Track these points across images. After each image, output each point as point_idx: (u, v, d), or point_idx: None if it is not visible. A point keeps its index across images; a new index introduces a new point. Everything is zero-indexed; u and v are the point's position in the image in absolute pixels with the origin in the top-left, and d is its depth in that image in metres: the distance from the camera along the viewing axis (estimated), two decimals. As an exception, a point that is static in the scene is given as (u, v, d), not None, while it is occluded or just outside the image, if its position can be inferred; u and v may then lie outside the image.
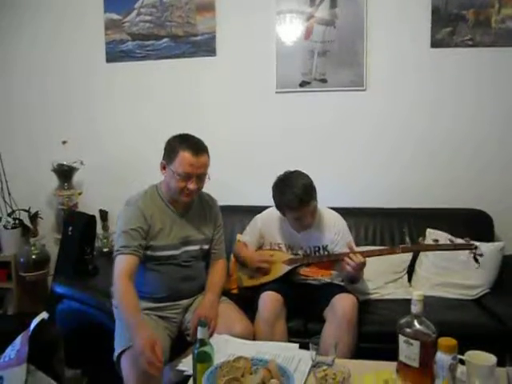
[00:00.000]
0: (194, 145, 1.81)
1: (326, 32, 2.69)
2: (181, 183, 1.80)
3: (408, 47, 2.65)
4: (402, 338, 1.40)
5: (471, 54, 2.59)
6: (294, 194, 1.97)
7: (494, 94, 2.62)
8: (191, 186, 1.80)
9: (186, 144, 1.80)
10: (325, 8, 2.69)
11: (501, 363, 1.31)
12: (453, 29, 2.59)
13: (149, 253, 1.84)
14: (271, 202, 2.21)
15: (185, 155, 1.77)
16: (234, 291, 2.22)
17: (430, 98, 2.67)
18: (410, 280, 2.46)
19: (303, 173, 2.06)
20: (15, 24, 3.03)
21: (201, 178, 1.83)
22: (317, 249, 2.15)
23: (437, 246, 2.02)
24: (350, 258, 1.92)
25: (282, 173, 2.09)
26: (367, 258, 1.95)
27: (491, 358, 1.35)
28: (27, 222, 2.98)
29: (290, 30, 2.74)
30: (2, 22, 3.04)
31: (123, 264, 1.75)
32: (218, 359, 1.38)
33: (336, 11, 2.67)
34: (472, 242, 1.91)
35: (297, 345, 1.64)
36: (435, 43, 2.61)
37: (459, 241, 1.92)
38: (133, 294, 1.70)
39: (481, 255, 1.89)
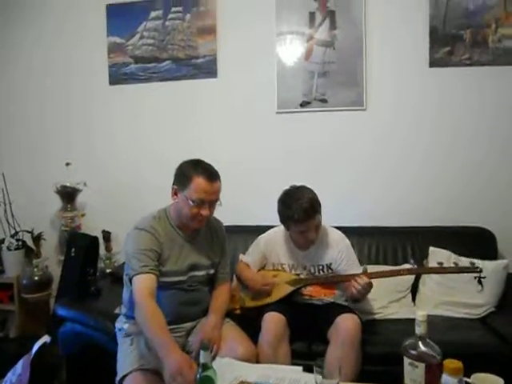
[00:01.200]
0: (209, 171, 1.80)
1: (325, 53, 2.73)
2: (194, 209, 1.78)
3: (407, 67, 2.68)
4: (406, 361, 1.38)
5: (470, 73, 2.61)
6: (300, 206, 1.98)
7: (494, 111, 2.63)
8: (204, 212, 1.79)
9: (200, 170, 1.78)
10: (324, 30, 2.73)
11: (508, 386, 1.29)
12: (451, 48, 2.62)
13: None
14: (274, 222, 2.22)
15: (200, 182, 1.76)
16: (237, 311, 2.20)
17: (430, 117, 2.68)
18: (413, 299, 2.43)
19: (308, 187, 2.08)
20: (20, 43, 3.10)
21: (213, 204, 1.83)
22: (320, 267, 2.14)
23: (442, 269, 2.03)
24: (356, 281, 1.90)
25: (287, 187, 2.11)
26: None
27: (498, 381, 1.33)
28: (30, 243, 2.98)
29: (291, 51, 2.78)
30: (5, 47, 3.11)
31: (144, 283, 1.70)
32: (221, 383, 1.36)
33: (335, 33, 2.72)
34: (476, 265, 1.89)
35: (300, 368, 1.61)
36: (434, 63, 2.64)
37: (463, 259, 1.92)
38: (159, 312, 1.65)
39: (484, 277, 1.88)
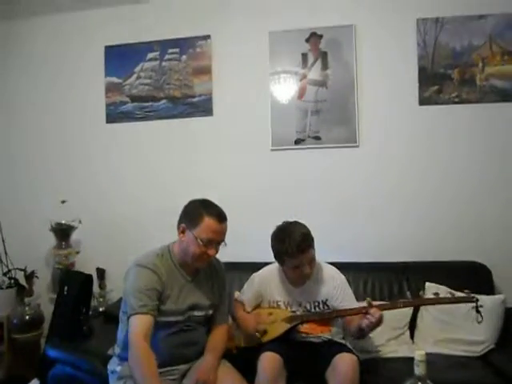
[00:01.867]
0: (219, 212, 1.82)
1: (318, 92, 2.79)
2: (202, 249, 1.78)
3: (397, 105, 2.74)
4: (407, 402, 1.34)
5: (458, 111, 2.67)
6: (294, 240, 1.98)
7: (484, 147, 2.67)
8: (211, 252, 1.80)
9: (211, 211, 1.80)
10: (317, 69, 2.81)
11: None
12: (440, 87, 2.69)
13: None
14: (268, 259, 2.21)
15: (210, 222, 1.77)
16: (233, 351, 2.14)
17: (421, 153, 2.72)
18: (412, 336, 2.39)
19: (301, 223, 2.09)
20: (20, 83, 3.15)
21: (219, 244, 1.83)
22: (316, 303, 2.11)
23: (437, 300, 2.01)
24: (370, 313, 1.87)
25: (280, 223, 2.11)
26: None
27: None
28: (23, 281, 2.93)
29: (284, 90, 2.84)
30: (6, 88, 3.16)
31: (141, 325, 1.66)
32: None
33: (327, 73, 2.79)
34: (472, 295, 1.88)
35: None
36: (423, 101, 2.70)
37: (459, 294, 1.91)
38: (152, 356, 1.62)
39: (481, 306, 1.86)
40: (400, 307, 1.96)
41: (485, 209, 2.66)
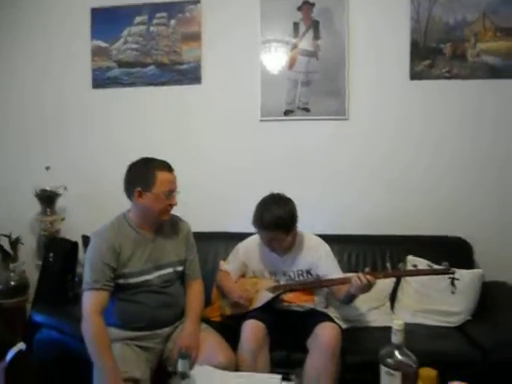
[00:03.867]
0: (165, 163, 1.88)
1: (309, 63, 2.76)
2: (165, 202, 1.84)
3: (388, 79, 2.72)
4: (383, 369, 1.39)
5: (449, 86, 2.67)
6: (265, 218, 2.03)
7: (474, 123, 2.68)
8: (173, 201, 1.87)
9: (158, 165, 1.85)
10: (308, 39, 2.76)
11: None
12: (431, 61, 2.68)
13: (121, 281, 1.81)
14: (254, 229, 2.22)
15: (163, 175, 1.83)
16: (216, 319, 2.19)
17: (410, 128, 2.73)
18: (392, 307, 2.46)
19: (287, 201, 2.10)
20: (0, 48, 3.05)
21: (175, 192, 1.89)
22: (300, 272, 2.16)
23: (416, 271, 2.08)
24: (359, 278, 1.90)
25: (269, 194, 2.13)
26: None
27: (472, 390, 1.36)
28: (8, 247, 2.92)
29: (275, 60, 2.80)
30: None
31: (93, 301, 1.73)
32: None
33: (319, 43, 2.75)
34: (450, 267, 1.93)
35: (279, 376, 1.62)
36: (414, 75, 2.69)
37: (437, 267, 1.97)
38: (105, 333, 1.70)
39: (457, 279, 1.93)
40: (380, 278, 2.00)
41: (472, 186, 2.69)
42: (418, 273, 2.07)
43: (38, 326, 2.17)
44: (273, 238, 2.07)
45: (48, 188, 2.86)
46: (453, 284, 1.93)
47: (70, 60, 3.00)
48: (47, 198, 2.88)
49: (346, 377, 1.90)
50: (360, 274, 1.91)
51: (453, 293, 1.95)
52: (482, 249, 2.58)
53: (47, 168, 2.82)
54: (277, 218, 2.03)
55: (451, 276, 1.93)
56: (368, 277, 1.89)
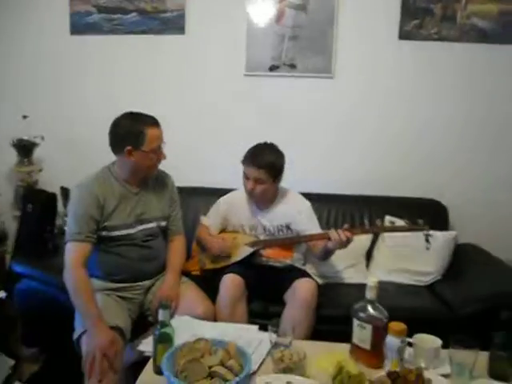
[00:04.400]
0: (151, 118, 1.85)
1: (296, 17, 2.69)
2: (154, 158, 1.84)
3: (377, 37, 2.69)
4: (355, 322, 1.47)
5: (437, 48, 2.65)
6: (256, 153, 2.10)
7: (457, 87, 2.69)
8: (162, 155, 1.88)
9: (146, 121, 1.83)
10: (297, -9, 2.69)
11: (446, 346, 1.40)
12: (420, 22, 2.64)
13: (104, 233, 1.83)
14: (237, 185, 2.26)
15: (152, 131, 1.82)
16: (196, 272, 2.25)
17: (396, 89, 2.72)
18: (368, 265, 2.55)
19: (280, 152, 2.16)
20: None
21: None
22: (280, 227, 2.21)
23: (392, 228, 2.15)
24: (338, 234, 1.94)
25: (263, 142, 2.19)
26: None
27: (436, 341, 1.45)
28: (-16, 197, 2.88)
29: (262, 12, 2.72)
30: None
31: (76, 252, 1.75)
32: (179, 340, 1.41)
33: (308, -4, 2.68)
34: (425, 225, 2.00)
35: (256, 326, 1.69)
36: (403, 35, 2.65)
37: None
38: (89, 283, 1.73)
39: (431, 236, 2.00)
40: (357, 233, 2.05)
41: (451, 150, 2.74)
42: (394, 229, 2.14)
43: (19, 277, 2.19)
44: (258, 178, 2.08)
45: (25, 137, 2.80)
46: (427, 241, 2.00)
47: (47, 2, 2.85)
48: (24, 148, 2.82)
49: (319, 328, 1.98)
50: (339, 230, 1.96)
51: (427, 249, 2.01)
52: (457, 212, 2.67)
53: (24, 117, 2.74)
54: (269, 160, 2.09)
55: (426, 233, 1.99)
56: (346, 233, 1.94)
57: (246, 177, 2.12)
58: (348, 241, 1.95)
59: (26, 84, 2.94)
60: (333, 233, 1.96)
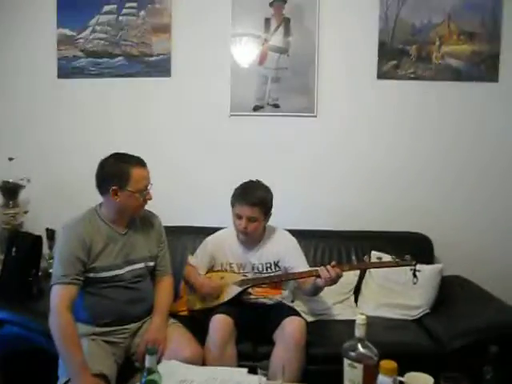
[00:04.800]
0: (138, 159, 1.86)
1: (279, 59, 2.78)
2: (140, 198, 1.84)
3: (356, 78, 2.79)
4: (346, 362, 1.45)
5: (414, 87, 2.76)
6: (247, 191, 2.12)
7: (435, 123, 2.79)
8: (149, 196, 1.87)
9: (132, 162, 1.84)
10: (279, 35, 2.78)
11: (436, 382, 1.39)
12: (397, 62, 2.75)
13: (92, 275, 1.80)
14: (223, 223, 2.28)
15: (138, 172, 1.83)
16: (184, 313, 2.21)
17: (375, 126, 2.81)
18: (356, 300, 2.55)
19: (268, 187, 2.19)
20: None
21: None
22: (268, 265, 2.20)
23: (380, 264, 2.17)
24: (328, 271, 1.94)
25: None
26: None
27: (429, 380, 1.43)
28: (-33, 240, 2.83)
29: (245, 54, 2.80)
30: None
31: (62, 296, 1.72)
32: (167, 386, 1.37)
33: (289, 40, 2.77)
34: (412, 260, 2.02)
35: (245, 369, 1.66)
36: (381, 75, 2.76)
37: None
38: (74, 329, 1.69)
39: (419, 271, 2.02)
40: (346, 270, 2.06)
41: (432, 184, 2.80)
42: (381, 265, 2.15)
43: (1, 323, 2.13)
44: (251, 216, 2.09)
45: (11, 180, 2.78)
46: (415, 275, 2.01)
47: (35, 48, 2.90)
48: (9, 190, 2.80)
49: (310, 369, 1.96)
50: (328, 267, 1.96)
51: (415, 283, 2.02)
52: (442, 244, 2.69)
53: (10, 159, 2.73)
54: (261, 196, 2.11)
55: (413, 268, 2.01)
56: (336, 269, 1.95)
57: (238, 216, 2.12)
58: (338, 277, 1.95)
59: (12, 126, 2.95)
60: (322, 270, 1.96)
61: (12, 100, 2.95)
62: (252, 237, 2.17)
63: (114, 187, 1.80)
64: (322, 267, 1.98)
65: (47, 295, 2.31)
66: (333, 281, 1.96)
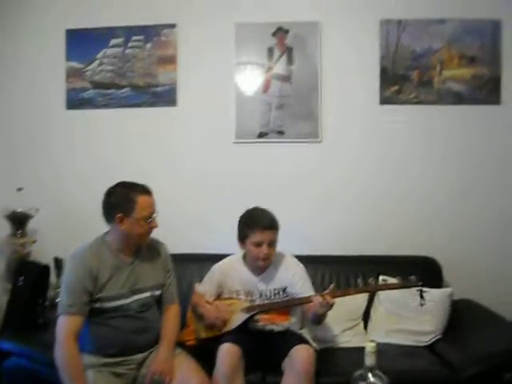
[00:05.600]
0: (142, 186, 1.87)
1: (282, 87, 2.82)
2: (145, 225, 1.84)
3: (359, 103, 2.81)
4: (356, 391, 1.41)
5: (416, 111, 2.78)
6: (265, 216, 2.13)
7: (440, 146, 2.79)
8: (154, 224, 1.87)
9: (136, 189, 1.85)
10: (282, 64, 2.82)
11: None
12: (399, 87, 2.78)
13: (98, 305, 1.79)
14: (230, 250, 2.27)
15: (143, 199, 1.84)
16: (191, 342, 2.17)
17: (380, 150, 2.82)
18: (366, 327, 2.50)
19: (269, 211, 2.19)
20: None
21: (155, 214, 1.89)
22: (276, 291, 2.18)
23: (386, 286, 2.16)
24: (324, 298, 1.92)
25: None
26: None
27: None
28: (-25, 270, 2.83)
29: (249, 82, 2.84)
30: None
31: (68, 326, 1.71)
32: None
33: (292, 68, 2.81)
34: (418, 280, 1.98)
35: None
36: (384, 100, 2.78)
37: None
38: (79, 360, 1.68)
39: (425, 291, 1.99)
40: (352, 294, 2.05)
41: (439, 207, 2.78)
42: (387, 287, 2.14)
43: (7, 354, 2.10)
44: (273, 241, 2.11)
45: (19, 209, 2.80)
46: (422, 297, 1.98)
47: (44, 80, 2.96)
48: (18, 220, 2.81)
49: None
50: (321, 294, 1.94)
51: (422, 305, 1.99)
52: (451, 267, 2.64)
53: (19, 189, 2.76)
54: (274, 217, 2.13)
55: (419, 289, 1.98)
56: (326, 296, 1.92)
57: (258, 244, 2.10)
58: (328, 304, 1.92)
59: (21, 156, 2.99)
60: (316, 296, 1.95)
61: (22, 130, 2.99)
62: (268, 260, 2.15)
63: (119, 214, 1.81)
64: (317, 294, 1.97)
65: (53, 326, 2.30)
66: (323, 306, 1.92)
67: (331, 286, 1.98)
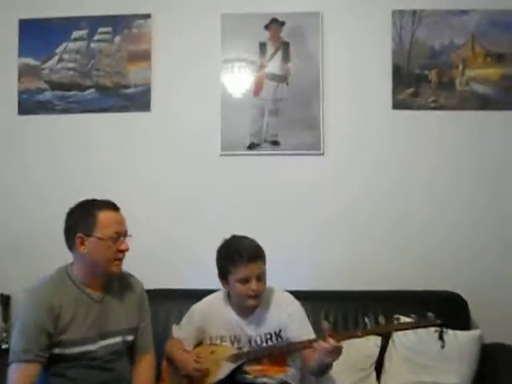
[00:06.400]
0: (107, 202, 1.85)
1: (277, 89, 2.82)
2: (112, 247, 1.80)
3: (368, 108, 2.82)
4: None
5: (435, 118, 2.78)
6: (243, 248, 2.07)
7: (470, 160, 2.79)
8: (123, 246, 1.83)
9: (99, 205, 1.83)
10: (276, 62, 2.83)
11: None
12: (416, 90, 2.78)
13: (57, 351, 1.73)
14: (213, 284, 2.23)
15: (106, 214, 1.81)
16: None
17: (394, 164, 2.81)
18: (378, 377, 2.46)
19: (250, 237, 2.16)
20: None
21: (125, 236, 1.85)
22: (268, 336, 2.13)
23: (398, 326, 2.13)
24: (327, 342, 1.85)
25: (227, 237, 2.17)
26: None
27: None
28: None
29: (237, 83, 2.84)
30: None
31: (23, 376, 1.66)
32: None
33: (289, 66, 2.82)
34: (436, 318, 1.94)
35: None
36: (397, 105, 2.79)
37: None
38: None
39: (445, 332, 1.96)
40: (359, 336, 2.00)
41: (468, 234, 2.77)
42: (399, 327, 2.11)
43: None
44: (262, 273, 2.08)
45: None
46: (441, 338, 1.95)
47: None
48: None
49: None
50: (328, 338, 1.87)
51: (442, 347, 1.97)
52: (479, 305, 2.62)
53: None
54: (253, 244, 2.11)
55: (438, 328, 1.95)
56: (329, 339, 1.85)
57: (244, 280, 2.06)
58: (336, 348, 1.85)
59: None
60: (319, 341, 1.88)
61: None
62: (259, 297, 2.11)
63: (79, 234, 1.78)
64: (320, 337, 1.91)
65: (3, 377, 2.24)
66: (327, 352, 1.85)
67: (324, 324, 1.94)
